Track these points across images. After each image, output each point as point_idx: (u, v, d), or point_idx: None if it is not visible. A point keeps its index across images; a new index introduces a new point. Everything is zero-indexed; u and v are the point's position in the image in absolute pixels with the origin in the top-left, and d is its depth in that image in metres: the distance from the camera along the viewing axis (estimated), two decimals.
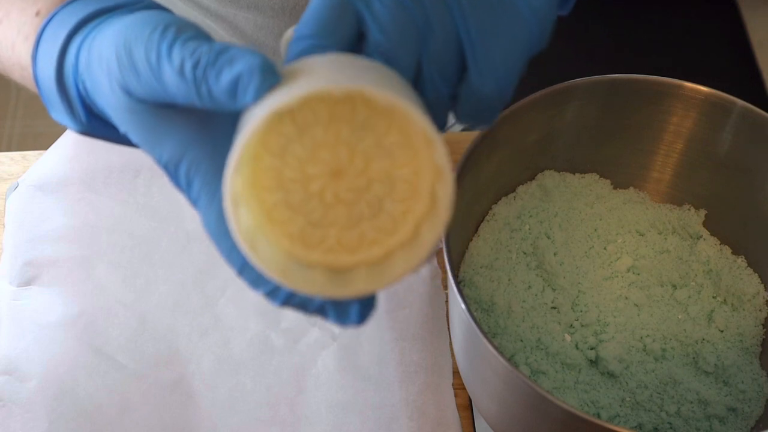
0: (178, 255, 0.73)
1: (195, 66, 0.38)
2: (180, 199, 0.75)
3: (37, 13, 0.49)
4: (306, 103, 0.35)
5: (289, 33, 0.42)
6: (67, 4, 0.47)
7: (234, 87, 0.37)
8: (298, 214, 0.36)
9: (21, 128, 1.92)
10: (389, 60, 0.39)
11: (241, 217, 0.35)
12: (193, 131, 0.41)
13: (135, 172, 0.76)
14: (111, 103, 0.43)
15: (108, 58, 0.42)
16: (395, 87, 0.35)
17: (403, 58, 0.40)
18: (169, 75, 0.39)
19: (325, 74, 0.35)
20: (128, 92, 0.42)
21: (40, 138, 1.88)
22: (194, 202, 0.42)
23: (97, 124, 0.47)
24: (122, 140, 0.46)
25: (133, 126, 0.43)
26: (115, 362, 0.68)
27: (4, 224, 0.75)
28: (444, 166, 0.35)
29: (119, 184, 0.76)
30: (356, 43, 0.40)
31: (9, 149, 1.87)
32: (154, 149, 0.42)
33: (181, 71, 0.38)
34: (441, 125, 0.43)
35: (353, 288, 0.36)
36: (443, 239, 0.56)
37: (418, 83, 0.41)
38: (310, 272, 0.36)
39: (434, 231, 0.36)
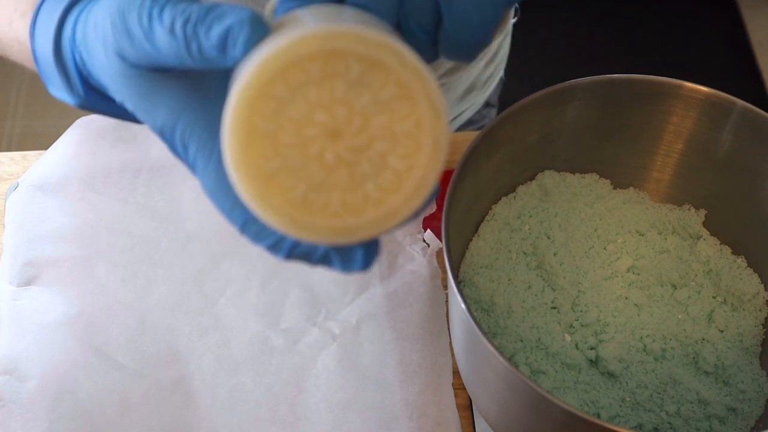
0: (178, 255, 0.73)
1: (185, 23, 0.38)
2: (180, 199, 0.76)
3: None
4: (297, 60, 0.33)
5: (273, 1, 0.42)
6: None
7: (224, 41, 0.37)
8: (299, 180, 0.35)
9: (21, 128, 1.92)
10: (369, 12, 0.40)
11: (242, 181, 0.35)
12: (187, 95, 0.41)
13: (135, 172, 0.76)
14: (106, 71, 0.43)
15: (103, 25, 0.43)
16: (383, 30, 0.35)
17: (382, 10, 0.40)
18: (161, 35, 0.39)
19: (312, 22, 0.34)
20: (122, 57, 0.42)
21: (40, 138, 1.88)
22: (192, 166, 0.42)
23: (94, 97, 0.47)
24: (119, 113, 0.46)
25: (128, 93, 0.43)
26: (115, 362, 0.68)
27: (4, 224, 0.75)
28: (441, 108, 0.34)
29: (119, 184, 0.76)
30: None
31: (9, 149, 1.87)
32: (149, 115, 0.43)
33: (171, 30, 0.39)
34: None
35: (356, 236, 0.36)
36: (443, 239, 0.56)
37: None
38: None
39: (435, 174, 0.35)
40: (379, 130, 0.35)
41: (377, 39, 0.34)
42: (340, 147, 0.34)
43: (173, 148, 0.43)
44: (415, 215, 0.38)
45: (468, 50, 0.44)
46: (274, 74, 0.34)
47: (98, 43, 0.43)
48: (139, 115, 0.43)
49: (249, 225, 0.41)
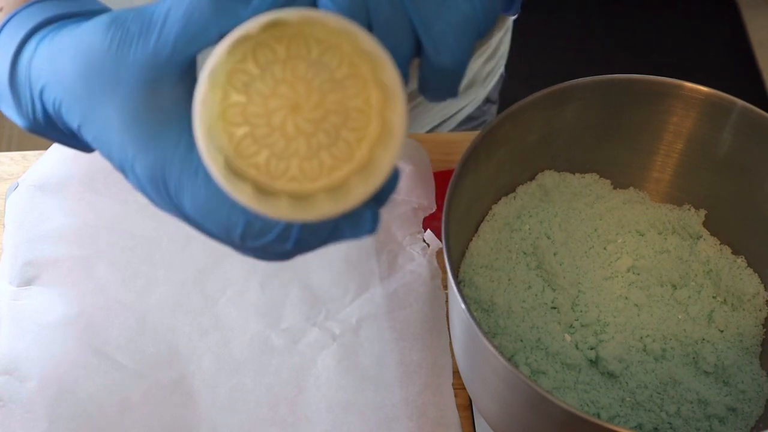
0: (178, 255, 0.73)
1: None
2: None
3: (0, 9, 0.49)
4: (265, 40, 0.38)
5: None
6: (30, 4, 0.46)
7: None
8: (263, 147, 0.39)
9: (21, 128, 1.92)
10: None
11: (217, 158, 0.39)
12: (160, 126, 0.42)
13: None
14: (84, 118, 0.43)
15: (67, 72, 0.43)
16: (345, 19, 0.39)
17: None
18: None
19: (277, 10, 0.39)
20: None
21: (40, 138, 1.88)
22: (176, 191, 0.42)
23: (46, 125, 0.46)
24: (70, 141, 0.47)
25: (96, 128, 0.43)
26: (115, 362, 0.68)
27: (4, 224, 0.75)
28: (393, 89, 0.38)
29: (119, 184, 0.75)
30: None
31: (9, 149, 1.87)
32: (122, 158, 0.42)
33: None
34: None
35: (318, 211, 0.39)
36: (443, 239, 0.56)
37: None
38: (276, 200, 0.39)
39: (389, 153, 0.39)
40: (334, 105, 0.39)
41: (337, 25, 0.38)
42: (300, 118, 0.39)
43: (145, 182, 0.42)
44: (378, 200, 0.41)
45: (450, 78, 0.44)
46: (245, 52, 0.38)
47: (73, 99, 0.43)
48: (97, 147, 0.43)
49: (250, 225, 0.41)
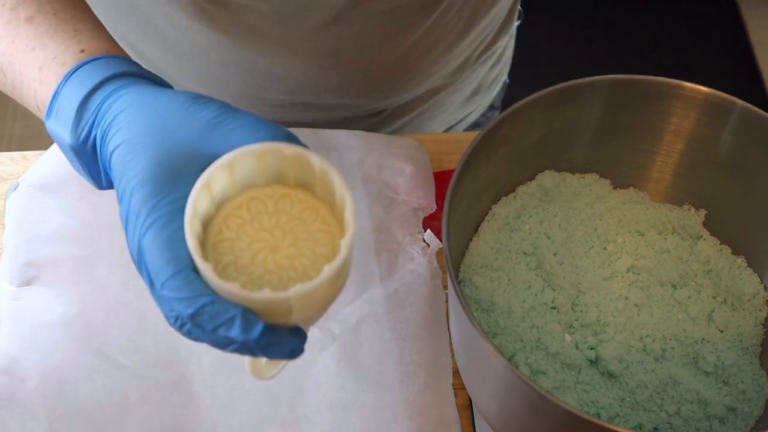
0: None
1: None
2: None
3: (82, 51, 0.55)
4: (257, 196, 0.48)
5: None
6: (112, 56, 0.54)
7: None
8: (243, 274, 0.46)
9: (21, 128, 1.93)
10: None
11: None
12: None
13: None
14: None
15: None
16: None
17: None
18: None
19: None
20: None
21: (40, 138, 1.88)
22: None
23: (90, 151, 0.52)
24: (91, 170, 0.53)
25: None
26: (115, 362, 0.68)
27: (4, 224, 0.75)
28: (349, 225, 0.46)
29: None
30: None
31: (9, 149, 1.87)
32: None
33: None
34: None
35: (261, 295, 0.45)
36: (444, 239, 0.56)
37: None
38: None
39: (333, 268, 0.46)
40: (306, 251, 0.47)
41: (319, 164, 0.47)
42: (278, 256, 0.47)
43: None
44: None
45: None
46: (241, 202, 0.48)
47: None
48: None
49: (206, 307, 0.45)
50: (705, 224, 0.69)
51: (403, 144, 0.79)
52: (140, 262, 0.48)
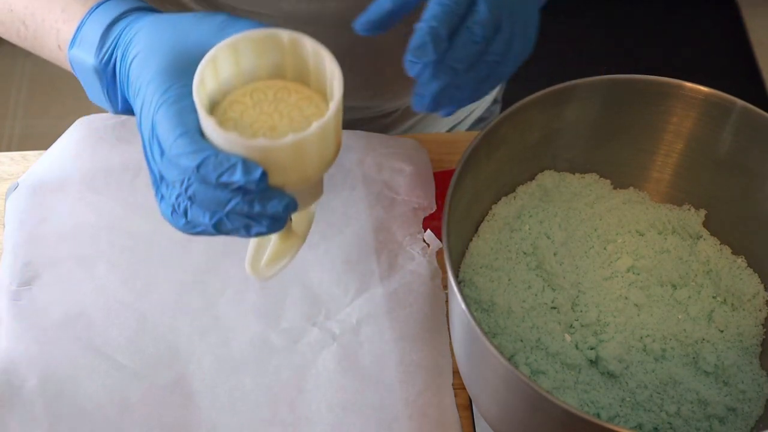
0: (178, 255, 0.73)
1: None
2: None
3: None
4: (259, 87, 0.53)
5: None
6: None
7: None
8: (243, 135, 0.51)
9: (21, 128, 1.92)
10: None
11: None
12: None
13: (135, 172, 0.76)
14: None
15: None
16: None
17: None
18: None
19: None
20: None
21: (40, 138, 1.88)
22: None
23: (112, 70, 0.58)
24: (109, 87, 0.59)
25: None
26: (115, 362, 0.68)
27: (4, 224, 0.75)
28: (337, 101, 0.50)
29: (119, 184, 0.75)
30: None
31: (9, 149, 1.87)
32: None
33: None
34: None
35: (257, 142, 0.49)
36: (444, 239, 0.56)
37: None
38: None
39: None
40: (298, 126, 0.52)
41: (314, 47, 0.52)
42: (274, 135, 0.52)
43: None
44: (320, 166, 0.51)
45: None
46: (245, 92, 0.53)
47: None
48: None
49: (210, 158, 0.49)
50: (705, 224, 0.69)
51: (403, 144, 0.79)
52: (152, 137, 0.52)
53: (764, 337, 0.66)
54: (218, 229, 0.51)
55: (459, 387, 0.68)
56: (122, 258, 0.73)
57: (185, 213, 0.52)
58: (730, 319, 0.65)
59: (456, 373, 0.68)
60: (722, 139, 0.65)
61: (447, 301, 0.71)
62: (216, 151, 0.49)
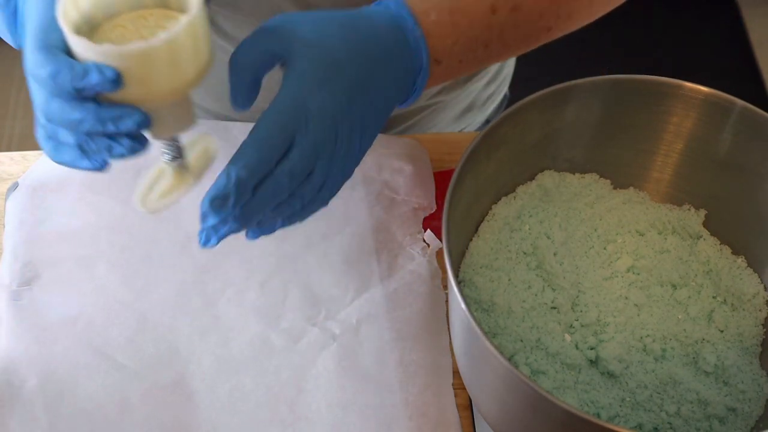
0: (178, 255, 0.73)
1: None
2: (180, 198, 0.75)
3: None
4: (143, 14, 0.55)
5: None
6: None
7: None
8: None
9: (21, 128, 1.92)
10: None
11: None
12: None
13: (135, 172, 0.76)
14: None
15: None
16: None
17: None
18: None
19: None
20: None
21: None
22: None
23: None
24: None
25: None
26: (115, 362, 0.68)
27: (4, 224, 0.75)
28: (188, 19, 0.51)
29: (119, 184, 0.76)
30: None
31: (9, 149, 1.87)
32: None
33: None
34: None
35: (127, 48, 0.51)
36: (444, 239, 0.56)
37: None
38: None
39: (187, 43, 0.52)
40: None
41: (170, 10, 0.55)
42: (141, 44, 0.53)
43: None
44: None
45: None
46: (129, 17, 0.54)
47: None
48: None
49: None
50: (705, 224, 0.69)
51: (403, 144, 0.79)
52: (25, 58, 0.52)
53: (764, 337, 0.66)
54: (83, 150, 0.52)
55: (459, 387, 0.68)
56: (122, 258, 0.73)
57: (53, 136, 0.52)
58: (730, 319, 0.65)
59: (456, 373, 0.68)
60: (722, 139, 0.65)
61: (447, 301, 0.71)
62: (72, 63, 0.49)
